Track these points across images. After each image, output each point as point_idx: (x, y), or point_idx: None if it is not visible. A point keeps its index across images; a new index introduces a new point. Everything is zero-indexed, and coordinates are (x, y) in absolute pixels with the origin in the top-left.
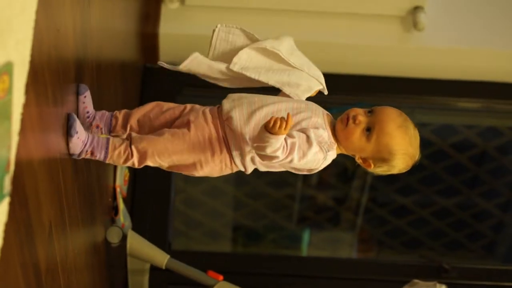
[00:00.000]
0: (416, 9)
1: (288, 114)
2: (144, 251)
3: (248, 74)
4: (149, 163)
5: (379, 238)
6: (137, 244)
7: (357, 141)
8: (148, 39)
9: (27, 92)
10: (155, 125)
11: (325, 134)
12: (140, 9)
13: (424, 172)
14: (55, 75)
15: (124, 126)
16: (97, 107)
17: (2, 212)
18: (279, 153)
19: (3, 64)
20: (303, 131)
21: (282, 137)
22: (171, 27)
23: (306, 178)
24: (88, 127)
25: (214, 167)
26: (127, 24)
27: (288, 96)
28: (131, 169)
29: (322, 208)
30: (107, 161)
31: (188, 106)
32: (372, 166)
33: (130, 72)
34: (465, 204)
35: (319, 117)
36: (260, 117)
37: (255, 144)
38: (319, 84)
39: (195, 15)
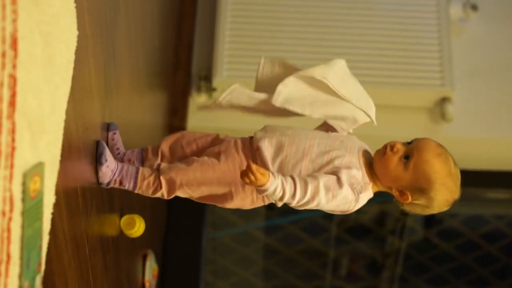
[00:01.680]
0: (444, 100)
1: (248, 164)
2: None
3: (291, 108)
4: (179, 193)
5: None
6: None
7: (394, 169)
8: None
9: (57, 191)
10: (187, 152)
11: (359, 174)
12: (167, 103)
13: (454, 262)
14: (84, 172)
15: (156, 153)
16: (126, 201)
17: None
18: (287, 199)
19: (34, 165)
20: (335, 171)
21: (269, 184)
22: (199, 120)
23: (335, 269)
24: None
25: (246, 198)
26: (155, 118)
27: (331, 127)
28: (160, 264)
29: None
30: (136, 191)
31: (221, 135)
32: (410, 198)
33: None
34: None
35: (353, 156)
36: (290, 153)
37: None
38: (366, 117)
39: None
